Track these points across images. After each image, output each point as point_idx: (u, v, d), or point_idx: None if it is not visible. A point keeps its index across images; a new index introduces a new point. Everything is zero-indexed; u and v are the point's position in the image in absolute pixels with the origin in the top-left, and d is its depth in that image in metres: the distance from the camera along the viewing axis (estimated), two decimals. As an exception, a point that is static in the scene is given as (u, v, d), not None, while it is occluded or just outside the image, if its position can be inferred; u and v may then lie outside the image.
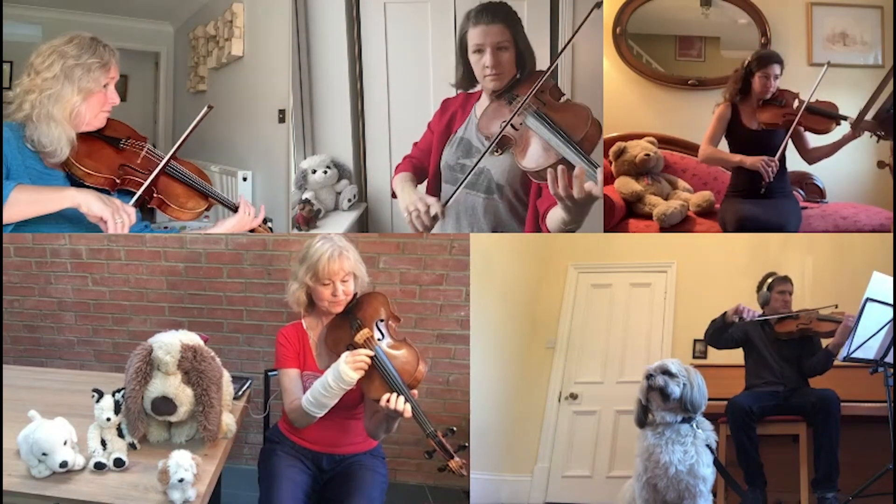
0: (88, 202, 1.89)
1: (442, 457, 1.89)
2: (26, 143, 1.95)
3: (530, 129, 2.06)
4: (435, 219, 2.21)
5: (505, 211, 2.31)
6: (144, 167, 2.06)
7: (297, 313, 2.23)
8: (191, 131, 2.11)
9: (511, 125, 2.10)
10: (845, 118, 2.91)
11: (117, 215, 1.91)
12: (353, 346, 2.02)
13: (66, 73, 1.92)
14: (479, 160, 2.19)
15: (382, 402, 1.90)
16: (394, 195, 2.54)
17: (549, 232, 2.10)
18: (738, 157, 2.94)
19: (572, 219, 1.95)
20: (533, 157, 2.03)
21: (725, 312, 2.87)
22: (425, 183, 2.55)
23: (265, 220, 2.32)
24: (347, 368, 1.95)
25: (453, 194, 2.22)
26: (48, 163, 1.99)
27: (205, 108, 2.13)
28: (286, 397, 2.13)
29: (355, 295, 2.16)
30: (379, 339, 2.04)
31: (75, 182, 2.00)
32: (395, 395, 1.90)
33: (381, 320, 2.09)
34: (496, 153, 2.18)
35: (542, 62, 3.04)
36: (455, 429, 1.94)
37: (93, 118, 2.01)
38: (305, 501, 2.12)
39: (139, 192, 2.02)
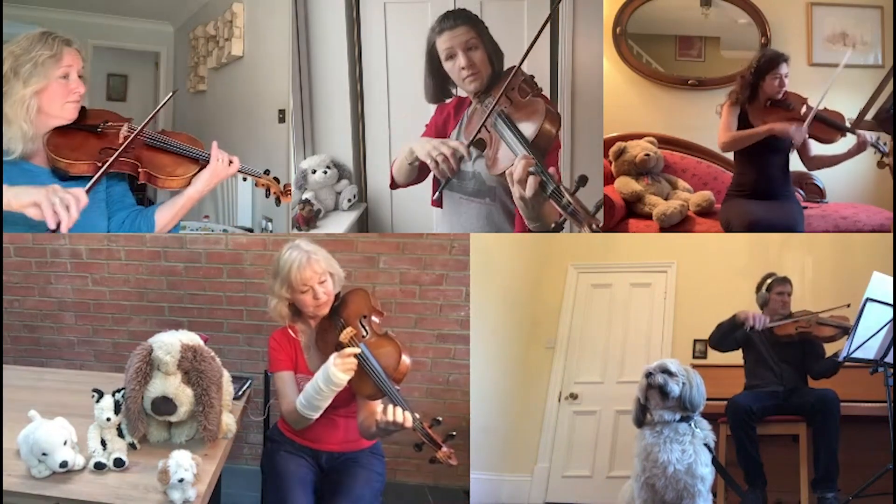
0: (17, 194, 1.80)
1: (430, 448, 1.89)
2: None
3: (497, 132, 2.06)
4: (461, 160, 2.13)
5: (498, 213, 2.30)
6: (127, 146, 2.01)
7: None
8: (159, 108, 2.09)
9: (485, 127, 2.10)
10: (852, 132, 2.88)
11: (53, 195, 1.78)
12: (340, 346, 2.03)
13: (14, 70, 1.90)
14: (482, 124, 2.12)
15: (380, 417, 1.89)
16: (393, 185, 2.49)
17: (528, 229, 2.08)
18: (764, 128, 2.85)
19: (526, 215, 1.92)
20: (499, 163, 2.03)
21: (735, 315, 2.87)
22: (430, 182, 2.53)
23: (266, 172, 2.27)
24: (336, 371, 1.96)
25: (441, 188, 2.19)
26: (34, 161, 1.97)
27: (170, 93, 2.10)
28: (282, 401, 2.14)
29: (338, 295, 2.17)
30: (364, 336, 2.06)
31: (62, 176, 1.97)
32: (392, 406, 1.89)
33: (364, 317, 2.10)
34: (482, 156, 2.18)
35: (543, 61, 3.06)
36: (441, 419, 1.94)
37: (58, 111, 1.96)
38: (315, 500, 2.13)
39: (109, 161, 1.93)
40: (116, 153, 1.97)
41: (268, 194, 2.27)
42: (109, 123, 2.06)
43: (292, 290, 2.09)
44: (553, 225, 1.84)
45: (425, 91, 2.39)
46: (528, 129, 2.00)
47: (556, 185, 1.80)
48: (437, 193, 2.32)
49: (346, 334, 2.04)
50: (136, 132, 2.02)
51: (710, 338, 2.96)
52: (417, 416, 1.90)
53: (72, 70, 1.97)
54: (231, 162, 2.14)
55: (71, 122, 2.01)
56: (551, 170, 1.83)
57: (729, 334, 2.89)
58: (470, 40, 2.22)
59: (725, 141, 2.96)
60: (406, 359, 2.01)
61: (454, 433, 1.93)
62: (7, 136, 1.91)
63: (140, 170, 2.02)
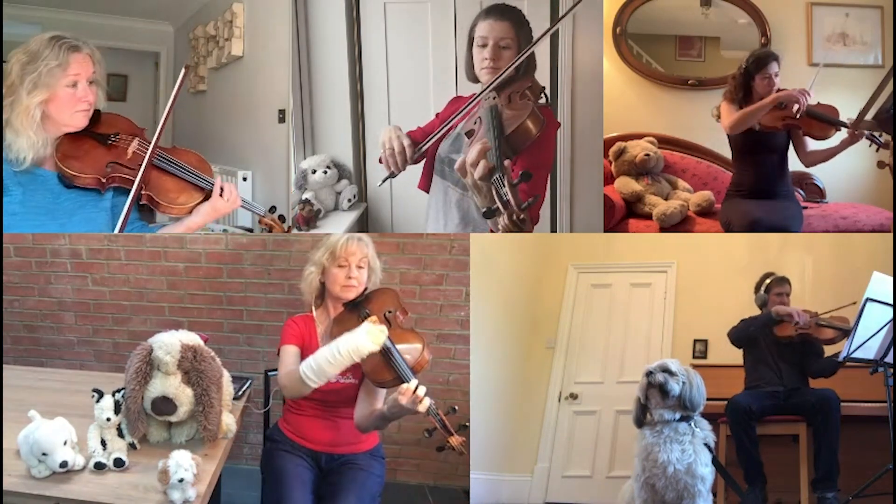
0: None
1: (442, 434, 1.89)
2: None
3: (482, 123, 2.10)
4: (406, 160, 2.19)
5: (478, 210, 2.31)
6: (134, 163, 2.02)
7: (305, 308, 2.24)
8: (172, 102, 2.06)
9: (479, 117, 2.13)
10: (845, 125, 2.87)
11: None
12: None
13: (21, 79, 1.88)
14: (430, 140, 2.20)
15: (403, 390, 1.88)
16: (381, 159, 2.52)
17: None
18: (771, 97, 2.84)
19: (479, 202, 1.96)
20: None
21: (774, 310, 2.84)
22: (421, 167, 2.54)
23: (272, 210, 2.30)
24: (367, 339, 1.90)
25: (425, 144, 2.23)
26: (43, 165, 1.98)
27: (182, 71, 2.07)
28: (281, 368, 2.09)
29: (365, 289, 2.19)
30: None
31: (67, 184, 1.98)
32: (415, 385, 1.89)
33: (390, 311, 2.12)
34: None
35: (542, 62, 3.06)
36: (457, 407, 1.96)
37: (67, 119, 1.96)
38: (313, 500, 2.12)
39: (132, 193, 1.97)
40: (135, 188, 1.99)
41: (270, 232, 2.30)
42: (120, 136, 2.07)
43: (333, 258, 2.13)
44: (484, 209, 1.90)
45: (465, 68, 2.41)
46: (510, 125, 2.04)
47: (502, 174, 1.86)
48: (385, 178, 2.33)
49: (369, 322, 2.03)
50: (148, 154, 2.02)
51: (737, 330, 2.90)
52: (433, 402, 1.91)
53: (80, 78, 1.94)
54: (230, 195, 2.15)
55: (83, 129, 2.01)
56: (507, 163, 1.89)
57: (762, 330, 2.85)
58: (505, 38, 2.24)
59: (731, 121, 2.92)
60: (427, 354, 2.02)
61: (467, 424, 1.95)
62: (16, 146, 1.90)
63: (143, 192, 2.03)
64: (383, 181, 2.33)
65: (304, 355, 2.14)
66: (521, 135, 2.04)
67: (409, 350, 2.01)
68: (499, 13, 2.26)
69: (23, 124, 1.89)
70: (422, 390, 1.89)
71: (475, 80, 2.39)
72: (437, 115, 2.52)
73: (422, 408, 1.88)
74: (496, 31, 2.24)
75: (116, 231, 1.97)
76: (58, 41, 1.92)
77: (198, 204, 2.11)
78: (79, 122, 1.99)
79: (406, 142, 2.21)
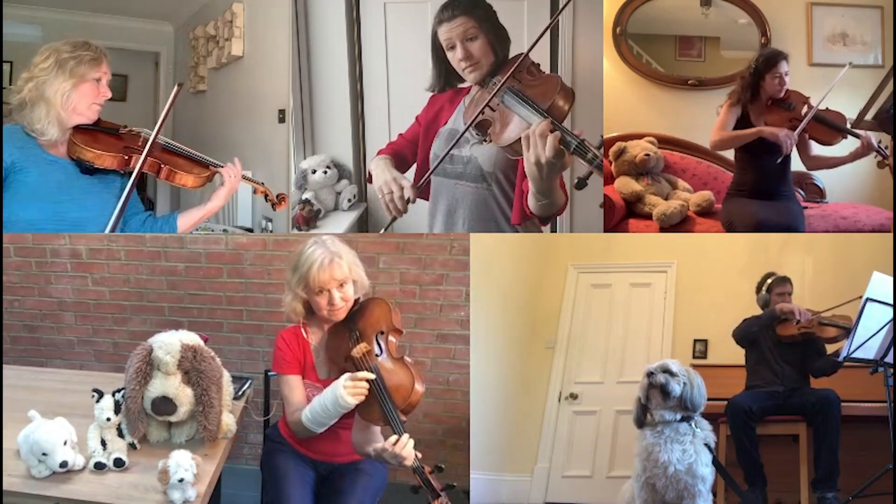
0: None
1: (427, 494, 1.81)
2: (28, 133, 2.09)
3: (506, 108, 2.08)
4: (408, 202, 2.24)
5: (495, 199, 2.28)
6: (149, 149, 2.17)
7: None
8: (169, 108, 2.18)
9: (489, 107, 2.11)
10: (852, 133, 2.85)
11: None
12: (350, 359, 1.96)
13: (59, 63, 2.08)
14: (458, 139, 2.20)
15: (388, 445, 1.81)
16: (369, 179, 2.50)
17: (530, 213, 2.07)
18: (754, 129, 2.84)
19: (538, 188, 1.93)
20: (507, 133, 2.04)
21: (776, 309, 2.86)
22: (412, 173, 2.54)
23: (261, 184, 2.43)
24: (346, 394, 1.88)
25: (427, 176, 2.27)
26: (53, 152, 2.11)
27: (175, 88, 2.23)
28: (288, 407, 2.05)
29: (358, 300, 2.09)
30: (377, 355, 1.96)
31: (85, 167, 2.12)
32: (403, 439, 1.81)
33: (381, 332, 2.00)
34: (485, 141, 2.20)
35: (543, 62, 3.05)
36: (443, 466, 1.86)
37: (85, 108, 2.12)
38: (314, 499, 2.11)
39: (146, 147, 2.13)
40: (146, 148, 2.13)
41: (266, 199, 2.45)
42: (128, 127, 2.24)
43: (308, 289, 1.99)
44: (577, 181, 1.86)
45: (432, 80, 2.42)
46: (543, 100, 2.00)
47: (580, 140, 1.82)
48: (390, 223, 2.41)
49: (358, 350, 1.96)
50: (157, 127, 2.18)
51: (740, 330, 2.90)
52: (419, 455, 1.82)
53: (104, 76, 2.16)
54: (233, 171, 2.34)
55: (91, 124, 2.16)
56: (576, 130, 1.86)
57: (765, 329, 2.86)
58: (468, 31, 2.22)
59: (716, 140, 2.95)
60: (419, 388, 1.92)
61: (454, 484, 1.84)
62: (47, 118, 2.06)
63: (162, 167, 2.20)
64: (388, 226, 2.40)
65: (303, 375, 2.10)
66: (555, 112, 1.97)
67: (397, 384, 1.91)
68: (450, 12, 2.24)
69: (56, 101, 2.06)
70: (409, 445, 1.81)
71: (444, 88, 2.40)
72: (417, 118, 2.51)
73: (408, 462, 1.80)
74: (455, 28, 2.23)
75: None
76: (92, 44, 2.16)
77: (209, 176, 2.29)
78: (93, 114, 2.15)
79: (405, 184, 2.27)
